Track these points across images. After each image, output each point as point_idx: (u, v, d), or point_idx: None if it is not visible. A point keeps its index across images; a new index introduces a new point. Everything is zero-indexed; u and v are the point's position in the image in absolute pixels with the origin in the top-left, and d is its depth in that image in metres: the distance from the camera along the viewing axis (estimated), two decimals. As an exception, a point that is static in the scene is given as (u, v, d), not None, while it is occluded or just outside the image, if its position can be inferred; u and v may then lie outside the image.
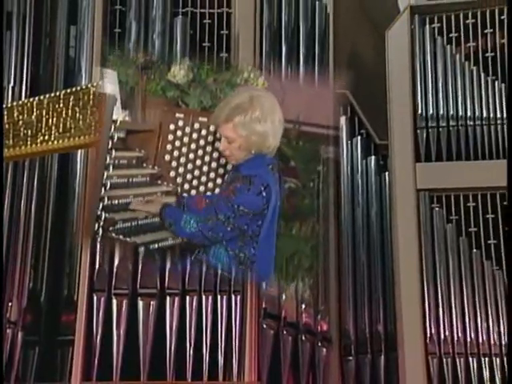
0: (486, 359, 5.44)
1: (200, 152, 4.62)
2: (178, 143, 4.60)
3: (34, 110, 3.50)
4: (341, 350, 5.71)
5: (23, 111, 3.52)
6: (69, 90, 3.53)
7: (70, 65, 5.53)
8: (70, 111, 3.45)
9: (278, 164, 4.05)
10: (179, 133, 4.57)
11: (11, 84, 5.26)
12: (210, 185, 4.71)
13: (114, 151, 3.89)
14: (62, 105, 3.47)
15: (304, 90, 4.91)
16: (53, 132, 3.45)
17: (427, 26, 6.19)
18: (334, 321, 5.67)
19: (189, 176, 4.64)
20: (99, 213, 3.86)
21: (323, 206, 5.61)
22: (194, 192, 4.64)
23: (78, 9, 5.58)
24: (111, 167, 3.92)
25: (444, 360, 5.47)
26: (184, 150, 4.61)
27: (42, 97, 3.55)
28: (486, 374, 5.43)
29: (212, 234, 3.78)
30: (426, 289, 5.64)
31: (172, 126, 4.57)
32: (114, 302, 4.92)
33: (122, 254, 5.00)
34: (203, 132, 4.60)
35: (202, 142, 4.62)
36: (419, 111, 6.05)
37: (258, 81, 4.78)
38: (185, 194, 4.60)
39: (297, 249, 4.70)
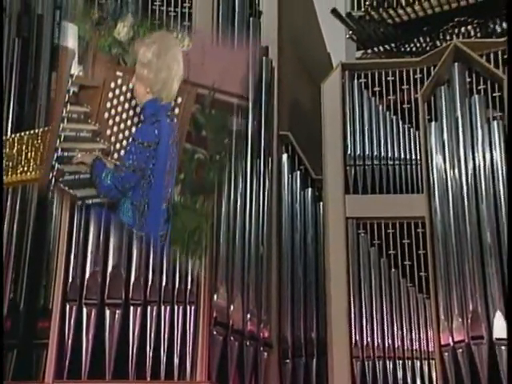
0: (400, 362, 5.51)
1: (131, 112, 4.15)
2: (115, 101, 4.13)
3: (16, 144, 3.44)
4: (280, 354, 5.70)
5: (6, 146, 3.45)
6: (46, 128, 3.48)
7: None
8: (46, 146, 3.39)
9: (173, 116, 3.85)
10: (117, 91, 4.12)
11: (-2, 122, 5.16)
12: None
13: (68, 105, 3.69)
14: (40, 141, 3.41)
15: (222, 56, 4.26)
16: (31, 164, 3.39)
17: (356, 80, 6.29)
18: (275, 329, 5.66)
19: (120, 136, 4.14)
20: (53, 163, 3.65)
21: (224, 184, 5.10)
22: (122, 152, 4.14)
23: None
24: (65, 120, 3.70)
25: (366, 363, 5.51)
26: (119, 109, 4.13)
27: (22, 133, 3.50)
28: (400, 374, 5.48)
29: (122, 184, 3.65)
30: (352, 302, 5.68)
31: (112, 84, 4.11)
32: (84, 310, 4.85)
33: (93, 269, 4.93)
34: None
35: (133, 103, 4.12)
36: (348, 151, 6.13)
37: (185, 41, 4.37)
38: (115, 154, 4.17)
39: (198, 224, 4.16)
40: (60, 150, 3.66)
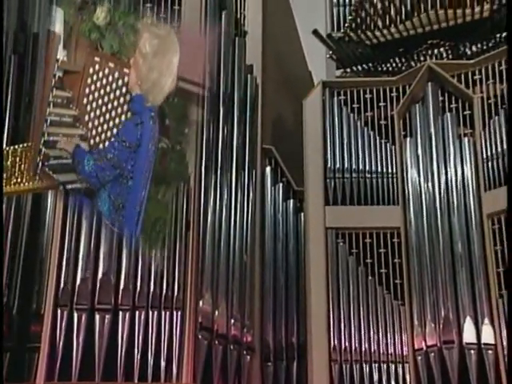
0: (376, 365, 5.55)
1: (106, 99, 3.90)
2: (93, 87, 3.91)
3: (10, 156, 3.40)
4: (262, 357, 5.73)
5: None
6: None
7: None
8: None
9: (156, 119, 3.66)
10: (95, 77, 3.90)
11: (-5, 133, 5.14)
12: (109, 134, 3.90)
13: (54, 89, 3.50)
14: (33, 153, 3.38)
15: (185, 43, 3.90)
16: (24, 176, 3.36)
17: (335, 97, 6.34)
18: (257, 333, 5.68)
19: (96, 122, 3.91)
20: (40, 147, 3.48)
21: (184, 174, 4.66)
22: (98, 139, 3.90)
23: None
24: (52, 105, 3.52)
25: (344, 366, 5.53)
26: (96, 94, 3.91)
27: (16, 146, 3.46)
28: (376, 376, 5.51)
29: (102, 175, 3.49)
30: (331, 308, 5.71)
31: (91, 70, 3.90)
32: (75, 315, 4.86)
33: (83, 275, 4.92)
34: (110, 78, 3.91)
35: (108, 89, 3.90)
36: (328, 165, 6.17)
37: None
38: (92, 141, 3.90)
39: (160, 215, 3.92)
40: (46, 134, 3.51)
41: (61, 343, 4.78)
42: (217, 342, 5.13)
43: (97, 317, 4.83)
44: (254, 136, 6.05)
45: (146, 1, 5.53)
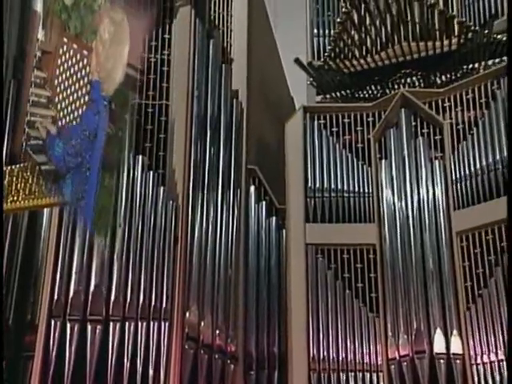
0: (352, 373, 5.59)
1: (70, 80, 3.75)
2: (62, 68, 3.77)
3: (7, 176, 3.43)
4: (245, 367, 5.74)
5: (-1, 177, 3.46)
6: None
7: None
8: (35, 178, 3.38)
9: (108, 109, 3.53)
10: (63, 58, 3.77)
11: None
12: (72, 116, 3.76)
13: (35, 70, 3.51)
14: (28, 173, 3.40)
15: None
16: (20, 194, 3.38)
17: (316, 121, 6.43)
18: (241, 343, 5.70)
19: (63, 104, 3.74)
20: (24, 127, 3.48)
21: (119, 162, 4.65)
22: (64, 121, 3.73)
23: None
24: (33, 85, 3.51)
25: (322, 374, 5.57)
26: (64, 76, 3.76)
27: (13, 166, 3.49)
28: (352, 384, 5.54)
29: (68, 160, 3.42)
30: (310, 319, 5.75)
31: (61, 51, 3.78)
32: (68, 326, 4.89)
33: (76, 288, 4.93)
34: (74, 60, 3.78)
35: (72, 71, 3.76)
36: (309, 184, 6.23)
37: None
38: (59, 123, 3.74)
39: (104, 203, 3.69)
40: (29, 114, 3.49)
41: (54, 352, 4.81)
42: (202, 352, 5.16)
43: (89, 327, 4.86)
44: (239, 157, 6.13)
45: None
